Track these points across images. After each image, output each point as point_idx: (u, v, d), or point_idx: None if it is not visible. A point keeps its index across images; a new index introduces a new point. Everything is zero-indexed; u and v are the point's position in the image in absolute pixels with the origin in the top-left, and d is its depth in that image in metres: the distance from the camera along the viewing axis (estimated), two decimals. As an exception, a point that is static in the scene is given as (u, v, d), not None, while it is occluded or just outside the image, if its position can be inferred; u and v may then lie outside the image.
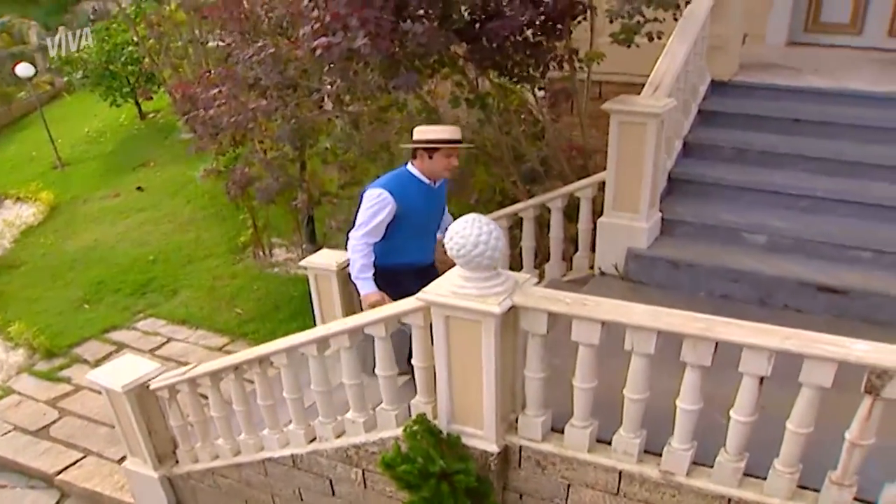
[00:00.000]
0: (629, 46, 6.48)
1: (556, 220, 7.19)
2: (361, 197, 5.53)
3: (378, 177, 5.78)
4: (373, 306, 5.29)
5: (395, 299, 5.15)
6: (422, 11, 5.79)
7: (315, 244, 10.73)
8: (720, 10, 7.58)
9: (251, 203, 10.89)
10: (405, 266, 5.54)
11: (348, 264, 7.62)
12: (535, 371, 4.32)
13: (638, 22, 6.29)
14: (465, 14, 6.09)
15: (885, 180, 6.67)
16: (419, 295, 4.28)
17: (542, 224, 7.38)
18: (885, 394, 3.49)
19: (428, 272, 5.41)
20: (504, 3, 6.10)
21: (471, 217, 4.11)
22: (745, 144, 7.25)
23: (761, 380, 3.76)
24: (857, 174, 6.77)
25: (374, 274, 5.53)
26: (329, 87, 6.75)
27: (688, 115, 7.45)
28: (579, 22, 6.77)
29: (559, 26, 6.46)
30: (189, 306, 11.24)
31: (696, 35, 7.01)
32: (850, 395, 3.59)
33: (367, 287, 5.52)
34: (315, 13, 5.87)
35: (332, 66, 6.05)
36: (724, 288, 6.23)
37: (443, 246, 5.67)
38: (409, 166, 5.55)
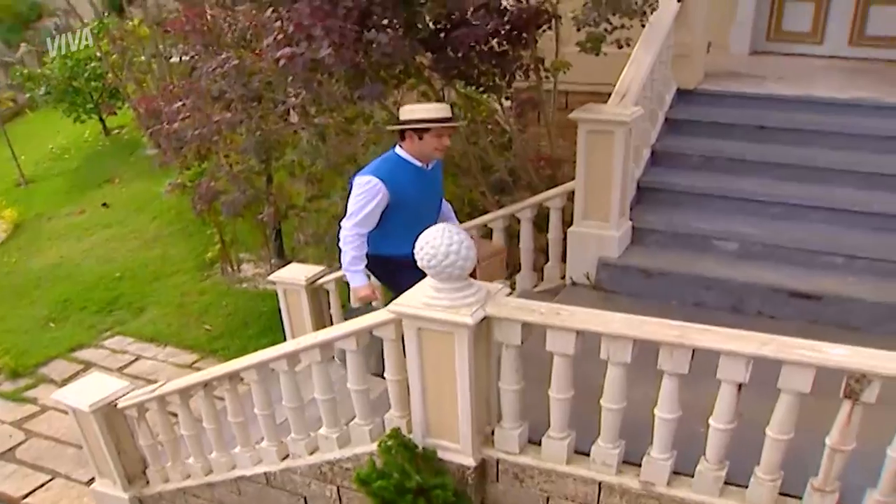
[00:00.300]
0: (597, 55, 6.43)
1: (525, 231, 7.12)
2: (351, 185, 5.22)
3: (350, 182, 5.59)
4: (362, 300, 5.19)
5: (393, 291, 5.05)
6: (386, 21, 5.69)
7: (284, 259, 10.60)
8: (684, 19, 7.59)
9: (218, 218, 10.73)
10: (403, 256, 5.10)
11: (318, 278, 7.57)
12: (510, 382, 4.23)
13: (605, 30, 6.24)
14: (430, 23, 6.00)
15: (854, 186, 6.67)
16: (390, 307, 4.19)
17: (512, 235, 7.30)
18: (864, 398, 3.44)
19: None
20: (469, 13, 6.03)
21: (440, 226, 4.03)
22: (713, 152, 7.25)
23: (739, 387, 3.71)
24: (826, 180, 6.78)
25: (372, 263, 5.30)
26: (294, 98, 6.63)
27: (655, 124, 7.43)
28: (544, 31, 6.71)
29: (524, 35, 6.39)
30: (157, 323, 11.05)
31: (661, 44, 7.01)
32: (830, 400, 3.54)
33: (356, 280, 5.25)
34: (278, 24, 5.77)
35: (295, 76, 5.92)
36: (696, 296, 6.19)
37: None
38: (398, 149, 5.20)
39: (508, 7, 6.28)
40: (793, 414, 3.65)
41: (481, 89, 6.57)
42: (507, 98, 7.05)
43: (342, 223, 5.20)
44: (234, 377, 5.32)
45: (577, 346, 3.96)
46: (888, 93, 7.66)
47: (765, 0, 10.00)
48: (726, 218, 6.69)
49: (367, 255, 5.24)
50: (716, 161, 7.22)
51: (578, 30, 6.28)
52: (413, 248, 5.00)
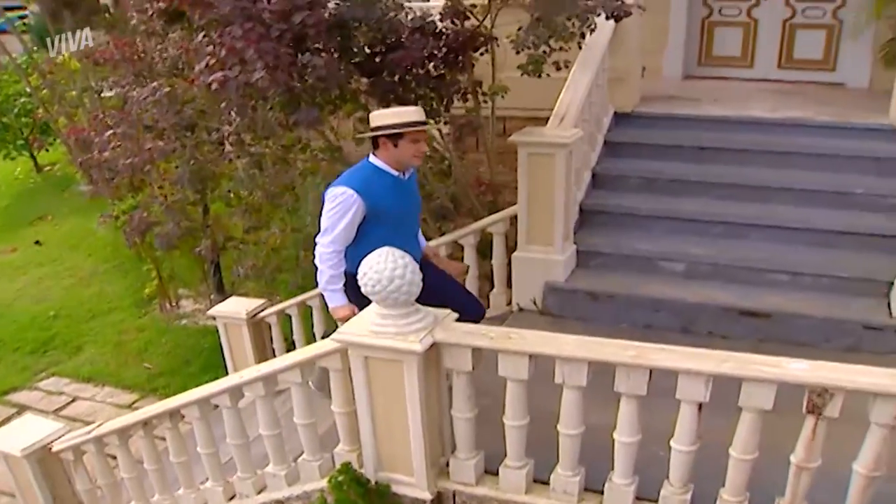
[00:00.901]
0: (539, 76, 6.31)
1: (469, 258, 6.94)
2: (323, 199, 4.75)
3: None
4: (342, 321, 4.64)
5: None
6: (321, 45, 5.48)
7: (223, 294, 10.30)
8: (618, 44, 7.59)
9: (155, 253, 10.44)
10: None
11: (259, 311, 7.31)
12: (463, 411, 4.02)
13: (544, 52, 6.12)
14: (365, 48, 5.82)
15: (794, 203, 6.68)
16: (335, 335, 3.96)
17: (485, 256, 7.12)
18: (827, 412, 3.33)
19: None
20: (404, 36, 5.86)
21: (384, 251, 3.81)
22: (653, 174, 7.19)
23: (700, 406, 3.55)
24: (767, 199, 6.77)
25: (349, 283, 4.76)
26: (228, 126, 6.37)
27: (594, 147, 7.38)
28: (482, 54, 6.58)
29: (461, 58, 6.26)
30: (94, 363, 10.72)
31: (597, 67, 6.98)
32: (793, 418, 3.42)
33: (335, 300, 4.74)
34: (210, 48, 5.51)
35: (229, 101, 5.66)
36: (645, 318, 6.07)
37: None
38: (372, 158, 4.71)
39: (444, 30, 6.13)
40: (756, 432, 3.51)
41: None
42: (445, 123, 6.87)
43: (317, 239, 4.73)
44: (174, 415, 5.02)
45: (530, 370, 3.78)
46: (818, 112, 7.75)
47: (695, 25, 10.11)
48: (671, 239, 6.62)
49: (345, 274, 4.78)
50: (657, 182, 7.16)
51: (517, 52, 6.15)
52: None
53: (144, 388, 9.87)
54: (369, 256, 3.80)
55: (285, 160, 6.98)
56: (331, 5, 5.72)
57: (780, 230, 6.47)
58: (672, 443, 3.67)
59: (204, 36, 5.68)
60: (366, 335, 3.84)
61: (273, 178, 6.98)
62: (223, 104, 5.92)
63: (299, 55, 5.36)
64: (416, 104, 6.12)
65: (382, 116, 4.67)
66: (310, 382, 4.55)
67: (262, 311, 7.19)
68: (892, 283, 5.83)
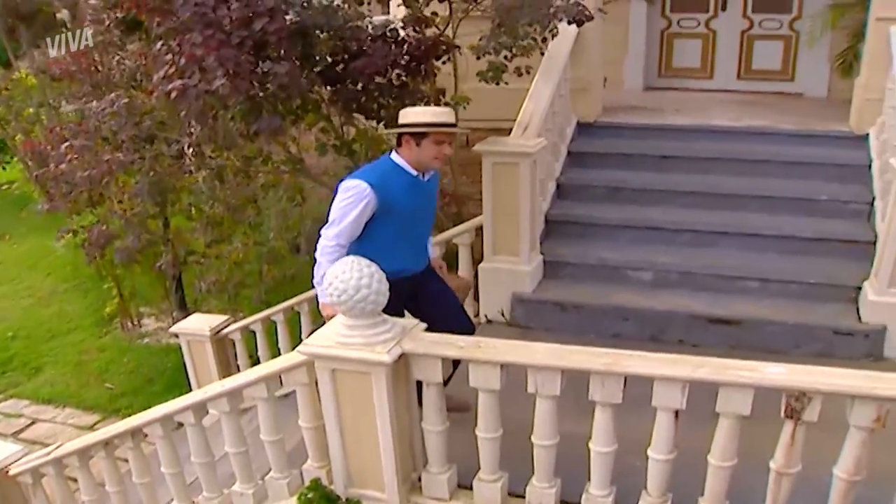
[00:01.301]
0: (497, 84, 6.21)
1: (464, 257, 6.82)
2: (336, 191, 4.50)
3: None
4: (328, 319, 4.45)
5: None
6: (282, 52, 5.33)
7: (186, 311, 10.06)
8: (579, 53, 7.56)
9: (115, 271, 10.21)
10: (390, 274, 4.25)
11: (223, 328, 7.12)
12: (434, 423, 3.87)
13: (506, 57, 6.02)
14: (327, 56, 5.68)
15: (761, 210, 6.66)
16: (300, 348, 3.80)
17: (451, 266, 6.98)
18: (806, 416, 3.22)
19: (420, 282, 4.67)
20: (366, 45, 5.74)
21: (349, 259, 3.66)
22: (618, 183, 7.14)
23: (676, 414, 3.43)
24: (733, 206, 6.75)
25: None
26: (188, 137, 6.18)
27: (558, 157, 7.32)
28: (444, 63, 6.48)
29: (424, 67, 6.14)
30: (55, 384, 10.45)
31: (560, 77, 6.93)
32: (770, 424, 3.32)
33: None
34: (169, 56, 5.34)
35: (189, 110, 5.48)
36: (614, 327, 5.99)
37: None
38: (393, 155, 4.48)
39: (407, 38, 6.02)
40: (734, 438, 3.40)
41: (382, 123, 6.24)
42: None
43: (322, 231, 4.49)
44: (136, 433, 4.82)
45: (502, 380, 3.64)
46: (780, 121, 7.77)
47: (654, 37, 10.18)
48: (638, 248, 6.56)
49: None
50: (622, 192, 7.10)
51: (478, 58, 6.06)
52: (395, 265, 4.31)
53: (106, 408, 9.62)
54: (334, 266, 3.65)
55: (246, 173, 6.79)
56: (291, 13, 5.58)
57: (748, 237, 6.44)
58: (649, 451, 3.55)
59: (163, 45, 5.51)
60: (333, 346, 3.68)
61: (234, 191, 6.81)
62: (183, 113, 5.72)
63: (260, 63, 5.21)
64: (378, 113, 6.01)
65: (409, 114, 4.46)
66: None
67: (226, 327, 7.01)
68: (860, 289, 5.84)
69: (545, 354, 3.59)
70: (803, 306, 5.84)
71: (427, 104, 6.32)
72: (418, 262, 4.69)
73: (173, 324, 8.21)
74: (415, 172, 4.42)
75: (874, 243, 6.03)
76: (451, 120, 4.44)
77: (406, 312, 4.45)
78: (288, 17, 5.48)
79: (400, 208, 4.38)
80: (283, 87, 5.25)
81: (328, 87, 5.95)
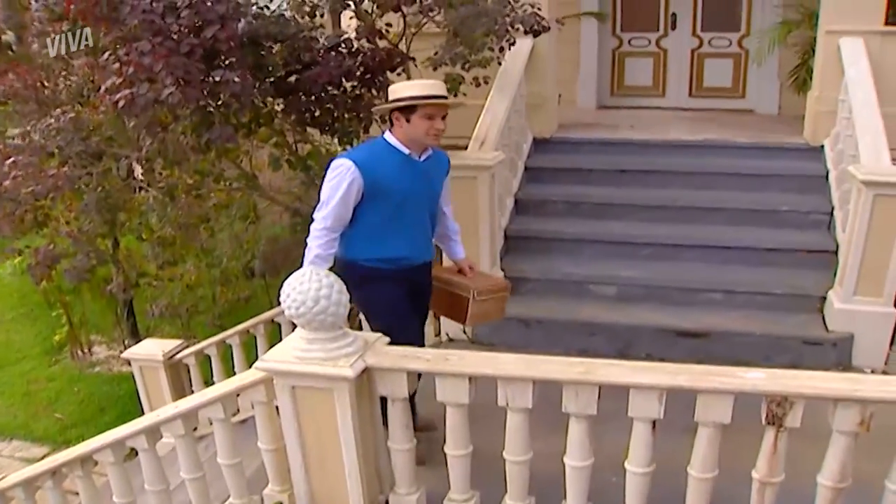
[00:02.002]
0: (455, 95, 6.05)
1: None
2: (325, 172, 4.23)
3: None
4: None
5: (360, 309, 4.42)
6: (234, 61, 5.11)
7: (138, 339, 9.69)
8: (534, 69, 7.53)
9: (64, 298, 9.83)
10: (386, 263, 4.17)
11: (176, 353, 6.84)
12: (401, 441, 3.65)
13: (463, 67, 5.88)
14: (280, 66, 5.47)
15: (722, 223, 6.62)
16: (258, 364, 3.56)
17: None
18: (788, 423, 3.08)
19: (421, 274, 4.38)
20: (319, 55, 5.55)
21: (307, 269, 3.45)
22: (577, 197, 7.05)
23: (654, 424, 3.26)
24: (694, 219, 6.70)
25: (347, 273, 4.10)
26: (137, 152, 5.90)
27: (515, 173, 7.23)
28: (399, 74, 6.30)
29: (379, 79, 5.96)
30: (1, 415, 10.00)
31: (514, 92, 6.89)
32: (751, 433, 3.22)
33: None
34: (116, 66, 5.09)
35: (138, 122, 5.23)
36: (580, 342, 5.84)
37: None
38: (387, 134, 4.20)
39: (361, 48, 5.84)
40: (715, 448, 3.24)
41: (337, 136, 6.03)
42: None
43: (314, 215, 4.22)
44: (86, 461, 4.49)
45: (471, 393, 3.44)
46: (736, 135, 7.76)
47: (606, 56, 10.21)
48: (600, 262, 6.46)
49: (335, 259, 4.25)
50: (582, 206, 7.01)
51: (435, 69, 5.90)
52: (390, 252, 4.15)
53: (56, 440, 9.22)
54: (292, 277, 3.43)
55: (198, 191, 6.53)
56: (243, 22, 5.39)
57: (710, 249, 6.40)
58: (627, 465, 3.37)
59: (110, 55, 5.26)
60: (292, 362, 3.45)
61: (186, 210, 6.54)
62: (132, 125, 5.45)
63: (211, 72, 5.00)
64: (333, 125, 5.81)
65: (397, 89, 4.16)
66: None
67: (180, 351, 6.74)
68: (825, 298, 5.82)
69: (516, 365, 3.41)
70: (770, 317, 5.79)
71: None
72: (418, 251, 4.33)
73: (125, 351, 7.92)
74: (407, 151, 4.13)
75: (836, 252, 6.05)
76: (441, 92, 4.13)
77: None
78: (240, 26, 5.29)
79: (390, 189, 4.09)
80: (236, 97, 5.03)
81: (281, 100, 5.74)
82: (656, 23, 9.99)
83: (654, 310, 5.99)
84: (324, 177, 4.13)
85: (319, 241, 4.09)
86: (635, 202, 6.91)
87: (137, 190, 6.43)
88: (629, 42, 10.12)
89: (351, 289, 4.22)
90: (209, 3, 5.03)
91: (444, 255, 4.74)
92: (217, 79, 4.94)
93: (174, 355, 6.69)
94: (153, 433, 4.11)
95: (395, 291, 4.07)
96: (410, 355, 3.56)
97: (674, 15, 9.86)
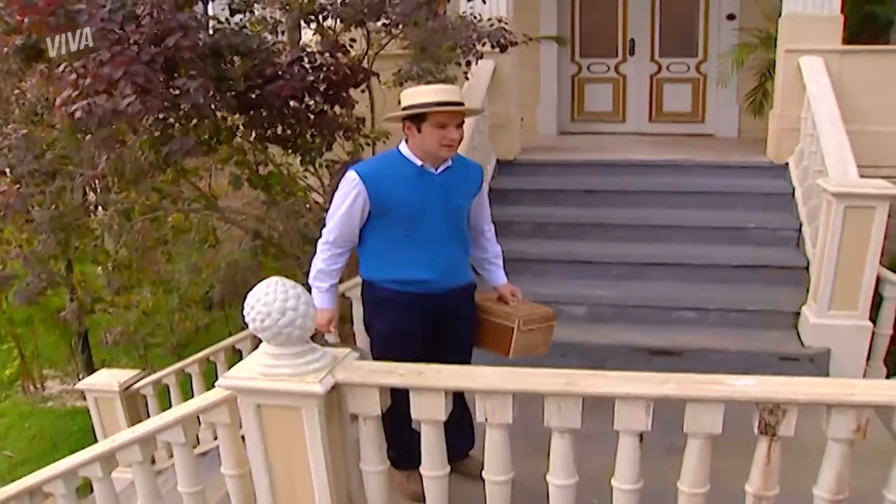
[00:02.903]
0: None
1: (357, 312, 6.38)
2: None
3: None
4: (321, 327, 3.97)
5: (367, 331, 4.13)
6: (195, 72, 4.90)
7: (93, 372, 9.31)
8: (497, 90, 7.50)
9: (15, 330, 9.45)
10: (403, 285, 3.84)
11: (133, 383, 6.55)
12: (374, 463, 3.41)
13: (429, 82, 5.71)
14: (242, 79, 5.27)
15: (690, 241, 6.57)
16: (220, 381, 3.31)
17: (345, 319, 6.54)
18: (782, 431, 2.91)
19: (453, 301, 3.98)
20: (282, 68, 5.37)
21: (273, 280, 3.21)
22: (543, 218, 6.96)
23: (641, 437, 3.07)
24: (662, 238, 6.64)
25: (365, 293, 4.05)
26: (92, 170, 5.63)
27: (480, 195, 7.01)
28: (363, 91, 6.14)
29: (343, 94, 5.78)
30: (-53, 453, 9.57)
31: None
32: (742, 446, 3.08)
33: (316, 300, 3.90)
34: (73, 77, 4.85)
35: (94, 135, 4.98)
36: (551, 363, 5.58)
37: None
38: (401, 145, 3.85)
39: (324, 63, 5.66)
40: (706, 461, 3.05)
41: (300, 153, 5.83)
42: (325, 166, 6.30)
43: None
44: (35, 493, 4.17)
45: (447, 408, 3.23)
46: (700, 155, 7.76)
47: (566, 82, 10.25)
48: (569, 282, 6.35)
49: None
50: (548, 227, 6.92)
51: (401, 84, 5.74)
52: (406, 273, 3.82)
53: (5, 478, 8.71)
54: (256, 288, 3.20)
55: (157, 220, 6.26)
56: (203, 34, 5.20)
57: (680, 268, 6.32)
58: (614, 481, 3.16)
59: (66, 66, 5.01)
60: (257, 378, 3.20)
61: (143, 232, 6.27)
62: (87, 137, 5.18)
63: (173, 81, 4.78)
64: (295, 142, 5.61)
65: (406, 97, 3.82)
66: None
67: (137, 382, 6.45)
68: (798, 314, 5.76)
69: (496, 378, 3.21)
70: (744, 333, 5.71)
71: (346, 133, 5.96)
72: (443, 273, 3.90)
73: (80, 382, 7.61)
74: (419, 163, 3.78)
75: (807, 268, 6.00)
76: (455, 97, 3.75)
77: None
78: (200, 37, 5.10)
79: (401, 205, 3.77)
80: (197, 108, 4.80)
81: (242, 116, 5.54)
82: (615, 48, 10.04)
83: (625, 329, 5.87)
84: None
85: (322, 254, 3.91)
86: (602, 222, 6.83)
87: (93, 210, 6.16)
88: (588, 68, 10.14)
89: (366, 311, 4.05)
90: (170, 13, 4.83)
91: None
92: (178, 88, 4.72)
93: (131, 385, 6.40)
94: (108, 460, 3.83)
95: (409, 324, 3.77)
96: (383, 370, 3.35)
97: (632, 41, 9.90)
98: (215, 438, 3.68)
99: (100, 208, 5.99)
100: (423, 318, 3.85)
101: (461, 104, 3.77)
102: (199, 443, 3.80)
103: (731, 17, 9.44)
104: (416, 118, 3.69)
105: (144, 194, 5.86)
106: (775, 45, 7.65)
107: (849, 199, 5.24)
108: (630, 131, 9.87)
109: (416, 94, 3.78)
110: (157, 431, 3.67)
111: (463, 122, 3.79)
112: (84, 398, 6.82)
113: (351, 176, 3.73)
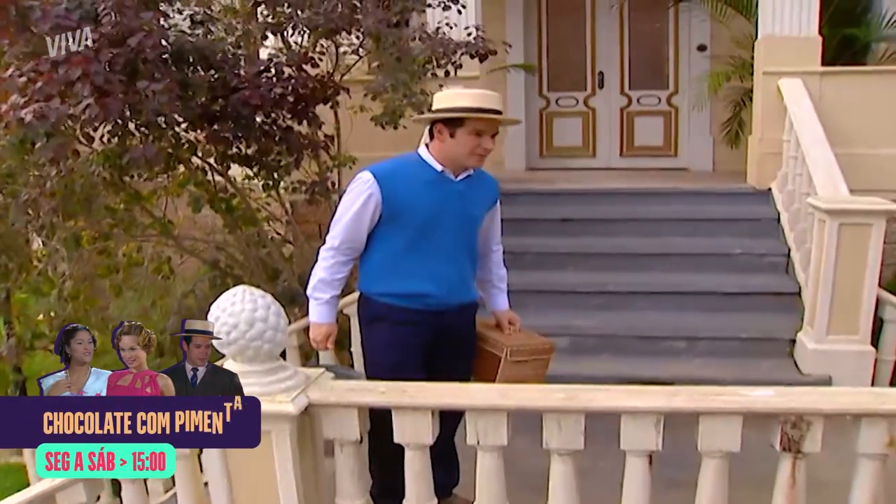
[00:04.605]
0: (395, 128, 5.70)
1: (356, 331, 6.11)
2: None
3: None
4: (315, 342, 3.73)
5: (364, 349, 3.86)
6: (158, 77, 4.63)
7: (31, 423, 8.88)
8: None
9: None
10: (402, 299, 3.59)
11: (76, 433, 6.16)
12: (352, 496, 3.10)
13: (404, 95, 5.51)
14: (206, 88, 5.03)
15: (675, 269, 6.44)
16: (182, 401, 3.02)
17: (308, 354, 6.25)
18: (806, 447, 2.70)
19: (455, 320, 3.76)
20: (249, 79, 5.14)
21: (239, 289, 2.95)
22: (517, 248, 6.62)
23: (650, 458, 2.83)
24: (643, 266, 6.50)
25: (361, 309, 3.80)
26: (40, 188, 5.28)
27: (451, 225, 6.83)
28: (332, 107, 5.93)
29: (311, 110, 5.56)
30: None
31: None
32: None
33: (314, 313, 3.68)
34: (23, 80, 4.55)
35: (44, 146, 4.66)
36: (534, 396, 5.43)
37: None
38: (421, 148, 3.66)
39: (291, 75, 5.44)
40: (724, 482, 2.82)
41: (263, 171, 5.59)
42: (292, 189, 6.05)
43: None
44: None
45: (434, 430, 2.95)
46: (677, 184, 7.77)
47: (533, 116, 10.14)
48: (549, 313, 6.09)
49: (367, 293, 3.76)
50: (524, 257, 6.68)
51: (373, 99, 5.54)
52: (408, 286, 3.58)
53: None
54: (221, 297, 2.93)
55: (106, 239, 5.92)
56: (166, 38, 4.97)
57: (664, 296, 6.20)
58: (622, 508, 2.92)
59: (15, 69, 4.72)
60: (220, 398, 2.93)
61: (92, 260, 5.94)
62: (36, 146, 4.85)
63: (134, 85, 4.52)
64: (261, 159, 5.36)
65: (443, 98, 3.64)
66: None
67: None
68: (794, 341, 5.64)
69: (487, 394, 2.98)
70: (738, 363, 5.56)
71: (314, 150, 5.71)
72: (447, 288, 3.68)
73: (16, 440, 7.17)
74: (439, 168, 3.57)
75: (799, 293, 5.90)
76: (497, 106, 3.59)
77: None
78: (168, 39, 4.87)
79: (413, 209, 3.56)
80: (159, 113, 4.52)
81: (204, 129, 5.27)
82: (583, 82, 9.96)
83: (611, 360, 5.72)
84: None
85: (325, 262, 3.63)
86: (580, 250, 6.68)
87: (38, 234, 5.80)
88: (557, 102, 10.05)
89: (362, 329, 3.79)
90: (133, 11, 4.58)
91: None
92: (141, 93, 4.43)
93: (75, 435, 6.03)
94: (47, 501, 3.49)
95: (404, 344, 3.53)
96: (362, 388, 3.09)
97: (601, 73, 9.84)
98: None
99: (44, 232, 5.62)
100: (422, 336, 3.61)
101: (500, 112, 3.60)
102: (173, 484, 3.49)
103: (701, 47, 9.42)
104: (451, 122, 3.48)
105: (95, 218, 5.51)
106: (751, 73, 7.62)
107: (843, 217, 5.14)
108: (601, 166, 9.77)
109: (456, 97, 3.59)
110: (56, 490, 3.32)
111: (497, 132, 3.63)
112: (20, 452, 6.43)
113: (364, 176, 3.52)
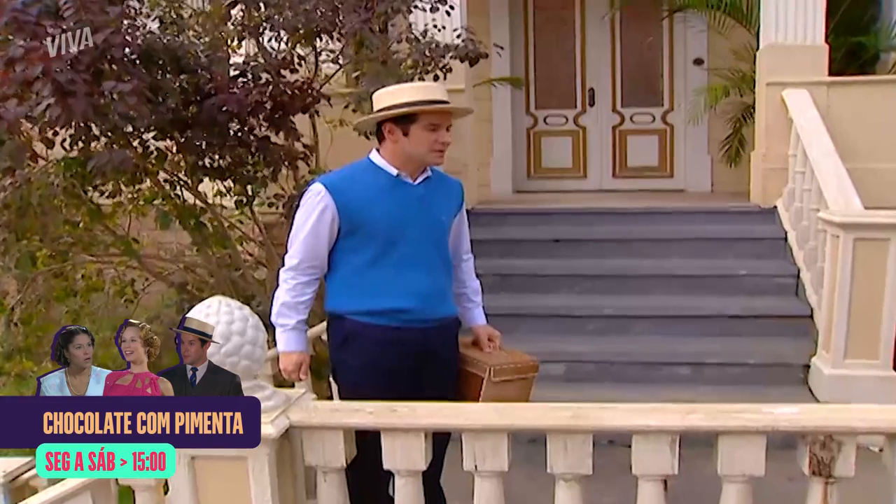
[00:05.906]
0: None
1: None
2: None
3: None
4: (287, 373, 3.59)
5: (335, 372, 3.66)
6: (127, 78, 4.49)
7: (-26, 463, 8.64)
8: (452, 129, 7.12)
9: None
10: (376, 317, 3.43)
11: (22, 473, 5.97)
12: (336, 529, 2.98)
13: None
14: (177, 92, 4.92)
15: (677, 292, 6.44)
16: (143, 430, 2.88)
17: (282, 383, 6.12)
18: (838, 471, 2.59)
19: (435, 338, 3.58)
20: (224, 83, 5.03)
21: (215, 300, 2.83)
22: (507, 269, 6.74)
23: (665, 483, 2.71)
24: (643, 288, 6.49)
25: (331, 330, 3.64)
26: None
27: (437, 246, 6.75)
28: (311, 117, 5.84)
29: (289, 119, 5.45)
30: None
31: None
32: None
33: (282, 341, 3.54)
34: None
35: (2, 145, 4.51)
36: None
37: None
38: (373, 154, 3.51)
39: (269, 80, 5.33)
40: (747, 508, 2.70)
41: (237, 184, 5.48)
42: (268, 203, 5.94)
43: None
44: None
45: (428, 454, 2.83)
46: (676, 203, 7.78)
47: (521, 136, 10.05)
48: (542, 338, 6.04)
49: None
50: (513, 279, 6.67)
51: (354, 111, 5.46)
52: (381, 302, 3.41)
53: None
54: (195, 308, 2.81)
55: (64, 260, 5.76)
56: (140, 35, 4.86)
57: (666, 319, 6.18)
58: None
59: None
60: (192, 419, 2.80)
61: (47, 282, 5.79)
62: None
63: (100, 86, 4.38)
64: (235, 171, 5.24)
65: (383, 96, 3.49)
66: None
67: (27, 471, 5.88)
68: (808, 366, 5.58)
69: (485, 414, 2.86)
70: (749, 391, 5.43)
71: (292, 162, 5.58)
72: (424, 302, 3.52)
73: (-39, 479, 6.96)
74: (394, 171, 3.45)
75: (811, 316, 5.85)
76: (444, 96, 3.46)
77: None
78: (137, 37, 4.76)
79: (376, 220, 3.43)
80: (127, 117, 4.37)
81: (175, 137, 5.15)
82: (573, 99, 9.90)
83: (611, 388, 5.61)
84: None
85: (286, 285, 3.50)
86: (573, 272, 6.66)
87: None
88: (545, 120, 9.98)
89: (332, 351, 3.63)
90: (99, 6, 4.43)
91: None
92: (108, 94, 4.29)
93: (19, 476, 5.84)
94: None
95: (383, 363, 3.39)
96: (348, 408, 2.97)
97: (591, 90, 9.78)
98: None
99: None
100: (402, 356, 3.47)
101: (449, 102, 3.48)
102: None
103: (698, 61, 9.37)
104: (401, 120, 3.36)
105: (52, 236, 5.35)
106: (752, 87, 7.59)
107: (858, 231, 5.11)
108: (592, 188, 9.69)
109: (400, 93, 3.45)
110: (60, 500, 3.20)
111: (451, 124, 3.50)
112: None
113: (315, 188, 3.41)
